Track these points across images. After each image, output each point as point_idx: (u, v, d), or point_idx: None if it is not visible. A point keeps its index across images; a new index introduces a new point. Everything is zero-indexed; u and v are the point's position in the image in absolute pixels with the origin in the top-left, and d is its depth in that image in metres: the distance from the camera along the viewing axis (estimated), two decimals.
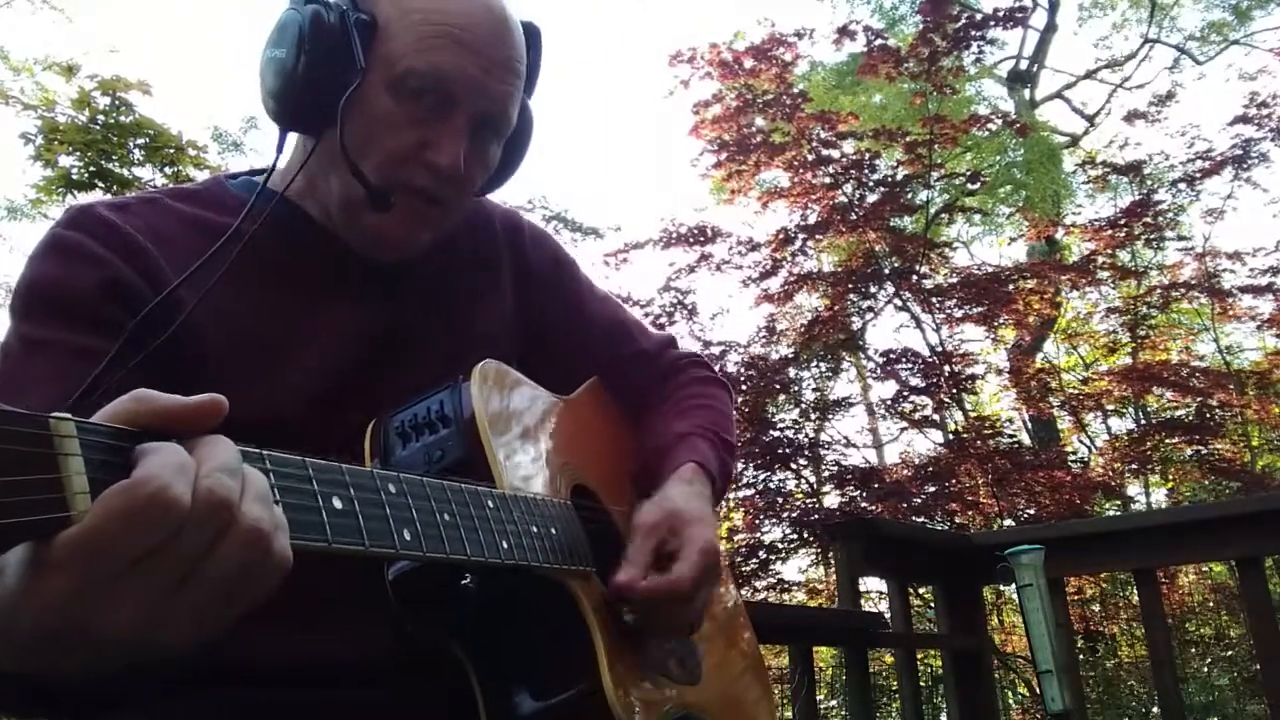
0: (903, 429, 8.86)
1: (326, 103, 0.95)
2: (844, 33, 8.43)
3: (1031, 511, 7.31)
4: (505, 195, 1.29)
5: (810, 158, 8.02)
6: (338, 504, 0.67)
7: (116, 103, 6.46)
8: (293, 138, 1.04)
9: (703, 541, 0.99)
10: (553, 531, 0.91)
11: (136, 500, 0.51)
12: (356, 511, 0.68)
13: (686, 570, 0.96)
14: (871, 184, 8.07)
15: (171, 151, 6.63)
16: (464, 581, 0.86)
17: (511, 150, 1.11)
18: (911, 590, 5.74)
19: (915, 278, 8.09)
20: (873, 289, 8.38)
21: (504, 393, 1.01)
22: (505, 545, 0.83)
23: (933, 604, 5.45)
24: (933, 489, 7.45)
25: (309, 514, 0.64)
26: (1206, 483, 8.65)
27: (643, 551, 0.96)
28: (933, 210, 8.95)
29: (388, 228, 1.01)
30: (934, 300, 8.09)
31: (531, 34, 1.09)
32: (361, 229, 1.02)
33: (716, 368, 1.38)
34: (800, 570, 8.74)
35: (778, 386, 7.95)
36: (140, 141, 6.61)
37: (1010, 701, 8.35)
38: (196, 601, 0.55)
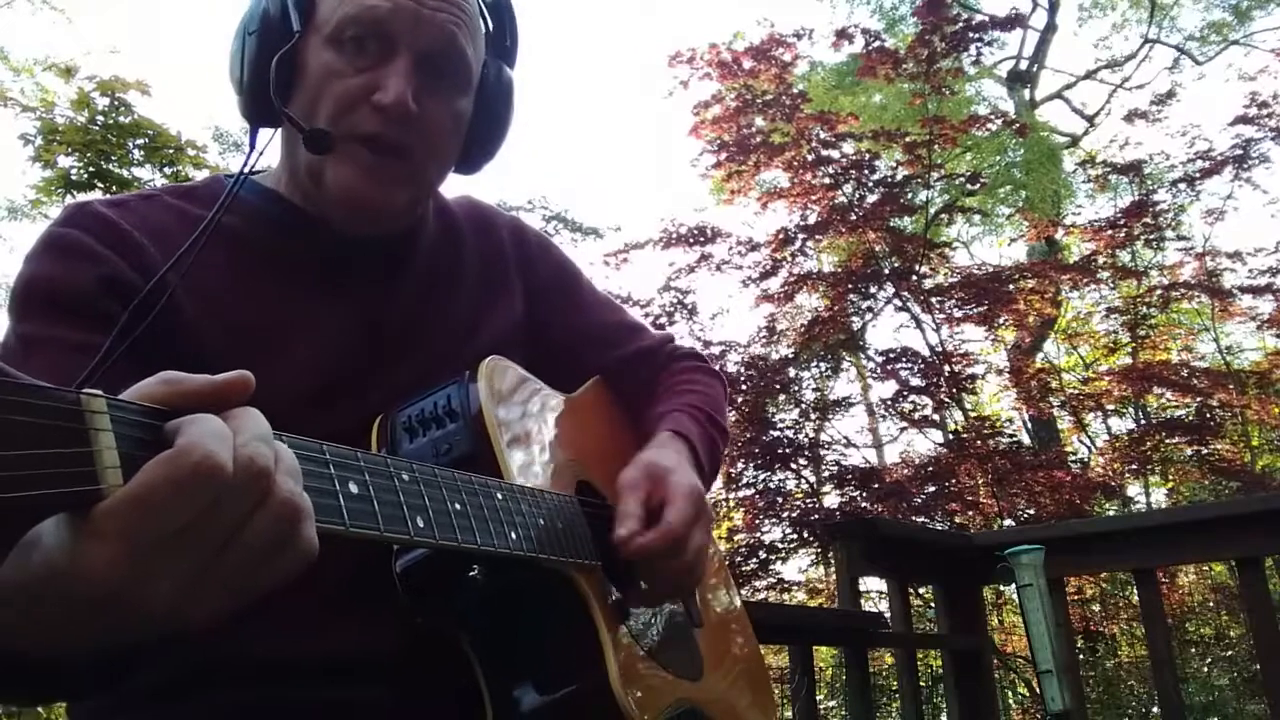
0: (903, 429, 8.86)
1: (278, 85, 0.95)
2: (842, 35, 8.46)
3: (1031, 512, 7.32)
4: (504, 195, 1.28)
5: (810, 158, 8.03)
6: (354, 489, 0.67)
7: (115, 103, 6.46)
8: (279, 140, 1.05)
9: (686, 486, 1.01)
10: (559, 525, 0.91)
11: (182, 468, 0.52)
12: (372, 497, 0.68)
13: (675, 516, 0.97)
14: (871, 184, 8.09)
15: (171, 152, 6.63)
16: (471, 573, 0.87)
17: (490, 116, 1.08)
18: (911, 590, 5.74)
19: (915, 278, 8.10)
20: (873, 289, 8.39)
21: (510, 389, 1.02)
22: (514, 536, 0.83)
23: (933, 604, 5.45)
24: (933, 489, 7.46)
25: (327, 497, 0.65)
26: (1206, 483, 8.65)
27: (633, 505, 0.97)
28: (932, 210, 8.96)
29: (350, 181, 0.98)
30: (934, 300, 8.10)
31: (500, 2, 1.10)
32: (330, 193, 0.99)
33: (716, 367, 1.37)
34: (800, 570, 8.75)
35: (778, 386, 7.96)
36: (140, 142, 6.61)
37: (1010, 701, 8.36)
38: (228, 572, 0.56)
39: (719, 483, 7.91)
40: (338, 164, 0.98)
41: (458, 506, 0.78)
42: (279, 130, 1.03)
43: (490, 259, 1.20)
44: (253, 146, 0.98)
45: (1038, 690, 3.66)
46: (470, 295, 1.15)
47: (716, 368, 1.37)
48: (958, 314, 8.14)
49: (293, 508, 0.57)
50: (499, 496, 0.84)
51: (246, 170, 0.98)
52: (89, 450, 0.51)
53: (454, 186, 1.18)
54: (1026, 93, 13.77)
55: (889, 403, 8.13)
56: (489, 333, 1.13)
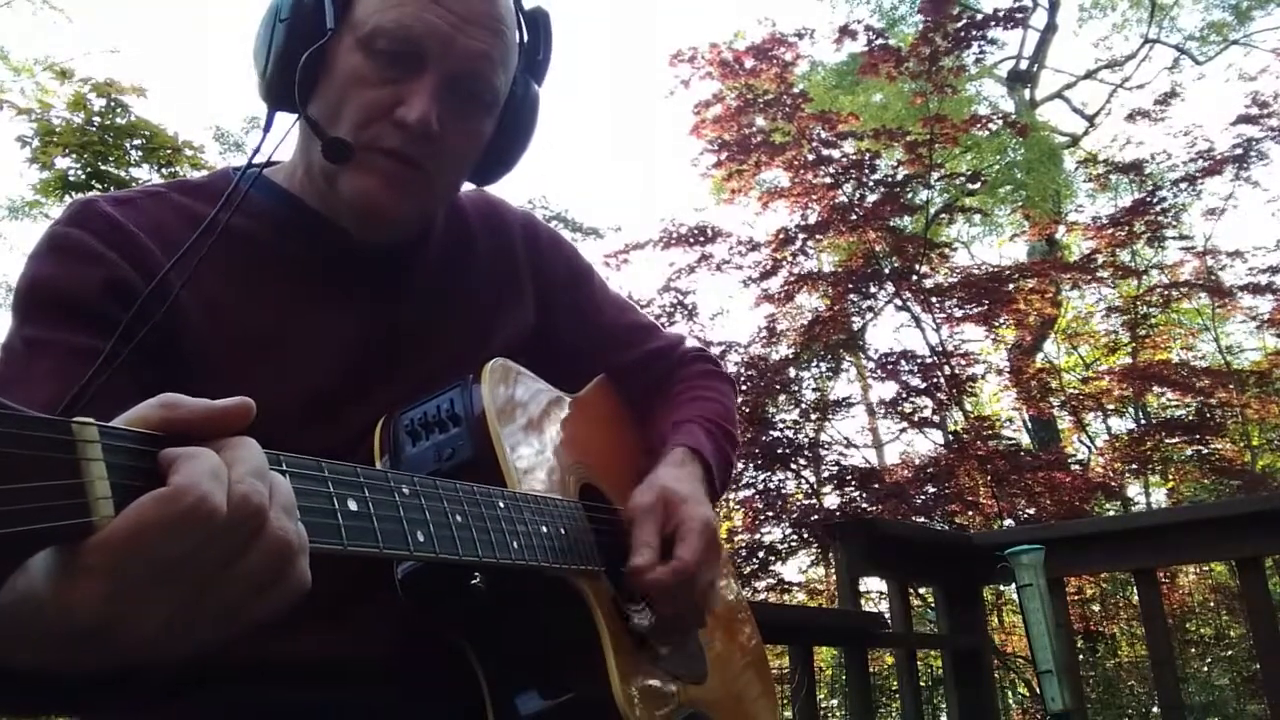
0: (903, 429, 8.87)
1: (302, 73, 0.94)
2: (844, 32, 8.43)
3: (1031, 512, 7.31)
4: (505, 195, 1.27)
5: (810, 158, 8.02)
6: (353, 506, 0.66)
7: (112, 104, 6.47)
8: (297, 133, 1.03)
9: (699, 521, 1.00)
10: (562, 532, 0.91)
11: (176, 510, 0.51)
12: (371, 514, 0.68)
13: (687, 553, 0.97)
14: (871, 184, 8.08)
15: (168, 152, 6.63)
16: (474, 581, 0.86)
17: (512, 132, 1.07)
18: (911, 590, 5.74)
19: (915, 278, 8.10)
20: (873, 289, 8.39)
21: (514, 392, 1.01)
22: (516, 546, 0.83)
23: (933, 604, 5.45)
24: (933, 489, 7.45)
25: (325, 516, 0.64)
26: (1206, 483, 8.65)
27: (647, 535, 0.97)
28: (933, 210, 8.96)
29: (366, 189, 0.96)
30: (934, 300, 8.09)
31: (538, 17, 1.08)
32: (343, 199, 0.98)
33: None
34: (800, 570, 8.76)
35: (778, 387, 7.95)
36: (136, 143, 6.61)
37: (1010, 701, 8.36)
38: (217, 607, 0.56)
39: None
40: (354, 171, 0.96)
41: (459, 519, 0.77)
42: (298, 121, 1.01)
43: (502, 259, 1.18)
44: (267, 129, 0.97)
45: (1038, 690, 3.66)
46: (482, 299, 1.14)
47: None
48: (958, 314, 8.13)
49: (284, 544, 0.56)
50: (501, 506, 0.83)
51: (253, 164, 0.96)
52: (80, 482, 0.49)
53: None
54: (1027, 93, 13.77)
55: (889, 403, 8.13)
56: (500, 337, 1.12)
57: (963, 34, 7.92)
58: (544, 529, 0.88)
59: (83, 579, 0.51)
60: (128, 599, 0.52)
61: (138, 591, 0.52)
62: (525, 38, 1.07)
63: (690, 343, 1.36)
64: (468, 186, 1.15)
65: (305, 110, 0.95)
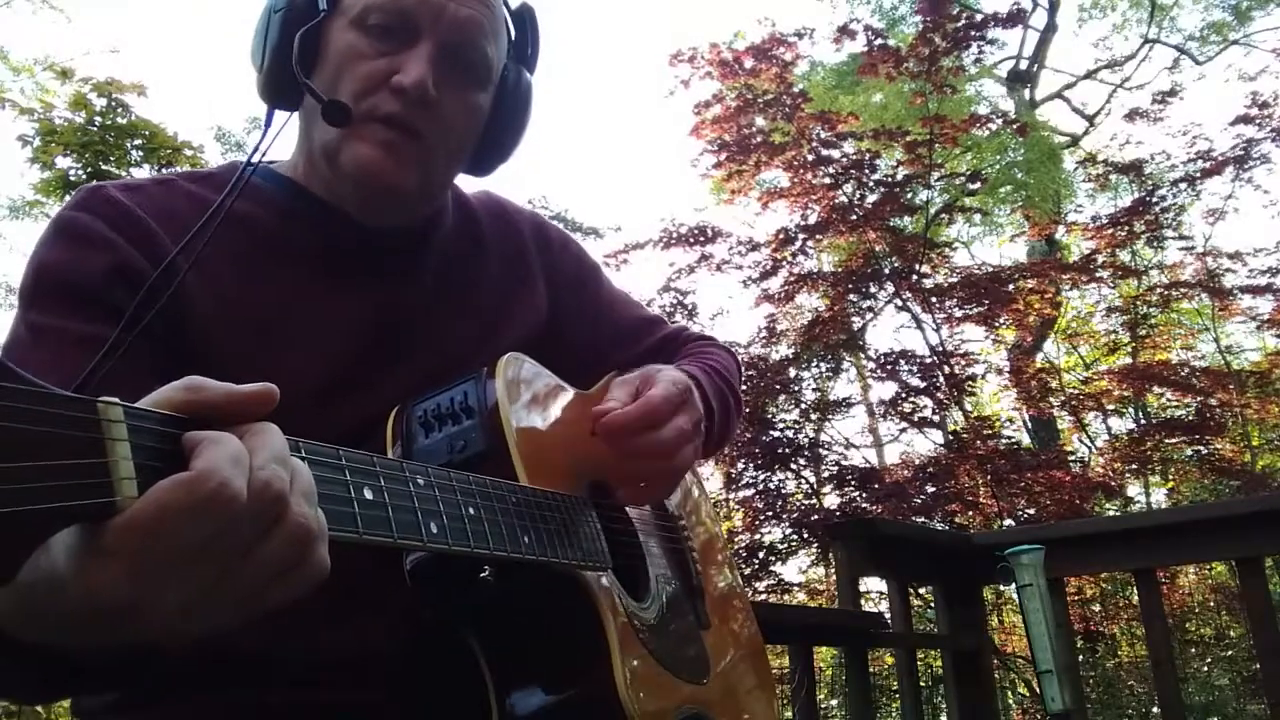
0: (902, 429, 8.86)
1: (300, 45, 0.96)
2: (844, 31, 8.43)
3: (1031, 512, 7.31)
4: (505, 195, 1.28)
5: (810, 158, 8.02)
6: (369, 495, 0.67)
7: (113, 104, 6.47)
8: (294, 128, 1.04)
9: (675, 374, 1.00)
10: (571, 528, 0.91)
11: (198, 495, 0.51)
12: (387, 503, 0.68)
13: (658, 392, 0.95)
14: (871, 184, 8.08)
15: (168, 152, 6.63)
16: (483, 574, 0.86)
17: (507, 119, 1.08)
18: (911, 590, 5.74)
19: (915, 278, 8.10)
20: (873, 289, 8.39)
21: (527, 386, 1.01)
22: (527, 540, 0.83)
23: (933, 604, 5.45)
24: (932, 489, 7.45)
25: (341, 505, 0.64)
26: (1206, 483, 8.66)
27: (619, 392, 0.96)
28: (933, 210, 8.95)
29: (364, 158, 0.97)
30: (934, 300, 8.09)
31: (524, 13, 1.11)
32: (345, 171, 0.99)
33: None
34: (800, 570, 8.75)
35: (778, 387, 7.95)
36: (137, 143, 6.61)
37: (1010, 701, 8.36)
38: (236, 591, 0.56)
39: (719, 483, 7.91)
40: (354, 141, 0.98)
41: (471, 511, 0.77)
42: (295, 114, 1.02)
43: (512, 256, 1.19)
44: (267, 124, 0.98)
45: (1038, 690, 3.66)
46: (491, 295, 1.14)
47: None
48: (958, 314, 8.14)
49: (305, 530, 0.57)
50: (513, 500, 0.84)
51: (259, 153, 0.97)
52: (104, 461, 0.49)
53: (463, 184, 1.18)
54: (1027, 93, 13.77)
55: (889, 403, 8.13)
56: (511, 332, 1.12)
57: (962, 34, 7.92)
58: (554, 525, 0.88)
59: (104, 560, 0.51)
60: (148, 581, 0.52)
61: (158, 574, 0.52)
62: (513, 34, 1.10)
63: (694, 329, 1.38)
64: (470, 185, 1.15)
65: (304, 77, 0.96)
